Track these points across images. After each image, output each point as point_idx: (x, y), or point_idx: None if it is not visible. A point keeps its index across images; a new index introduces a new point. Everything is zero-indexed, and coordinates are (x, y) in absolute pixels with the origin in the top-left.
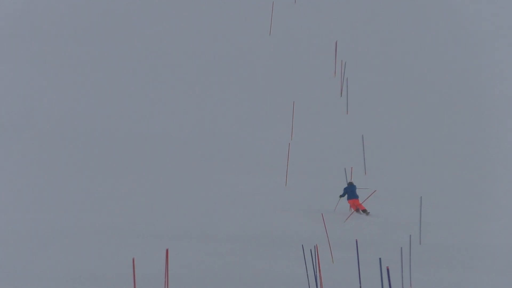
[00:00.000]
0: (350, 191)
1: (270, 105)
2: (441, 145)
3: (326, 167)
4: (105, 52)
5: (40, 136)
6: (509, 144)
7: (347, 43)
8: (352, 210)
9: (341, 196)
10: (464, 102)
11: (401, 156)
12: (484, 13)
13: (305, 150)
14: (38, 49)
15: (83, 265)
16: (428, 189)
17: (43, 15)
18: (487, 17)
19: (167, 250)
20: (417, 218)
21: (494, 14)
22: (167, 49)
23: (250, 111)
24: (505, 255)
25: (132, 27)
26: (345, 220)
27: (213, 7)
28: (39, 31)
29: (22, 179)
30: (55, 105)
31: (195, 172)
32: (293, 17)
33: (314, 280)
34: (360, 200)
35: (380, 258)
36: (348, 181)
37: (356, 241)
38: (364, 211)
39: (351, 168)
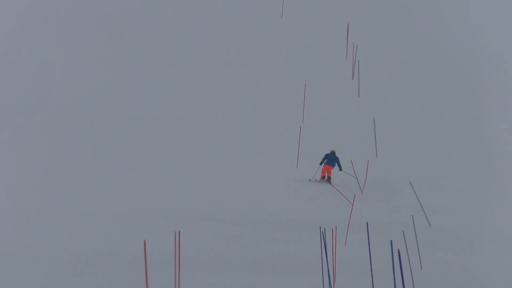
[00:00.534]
0: (329, 159)
1: (282, 88)
2: (452, 128)
3: (338, 150)
4: (119, 35)
5: (52, 119)
6: None
7: (359, 26)
8: (321, 176)
9: (321, 163)
10: (477, 85)
11: (412, 139)
12: None
13: (316, 133)
14: (51, 34)
15: (94, 247)
16: (438, 172)
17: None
18: None
19: (178, 232)
20: (427, 201)
21: None
22: (180, 33)
23: (262, 94)
24: None
25: (146, 10)
26: (310, 179)
27: None
28: (52, 15)
29: (34, 162)
30: (67, 89)
31: (207, 155)
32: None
33: (326, 262)
34: (336, 174)
35: (391, 241)
36: (331, 150)
37: (367, 224)
38: (329, 179)
39: (367, 161)
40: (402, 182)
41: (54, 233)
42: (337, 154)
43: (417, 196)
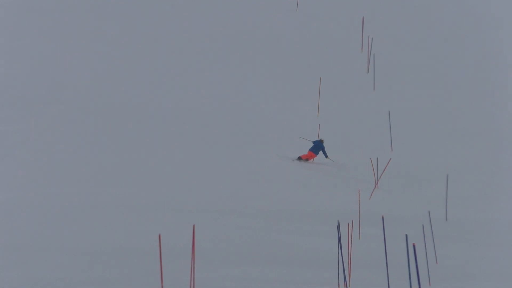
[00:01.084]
0: (315, 145)
1: (297, 81)
2: (467, 120)
3: (352, 143)
4: (134, 26)
5: (68, 110)
6: None
7: (374, 19)
8: (304, 159)
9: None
10: (492, 77)
11: (427, 132)
12: None
13: (331, 126)
14: (65, 23)
15: (109, 239)
16: (454, 165)
17: None
18: None
19: (193, 226)
20: (443, 194)
21: None
22: (197, 24)
23: (277, 87)
24: None
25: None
26: (294, 159)
27: None
28: (67, 4)
29: (50, 153)
30: (82, 79)
31: (222, 147)
32: None
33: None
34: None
35: (406, 235)
36: (320, 139)
37: (383, 217)
38: (306, 160)
39: (389, 159)
40: (417, 175)
41: (69, 225)
42: (352, 147)
43: (446, 190)
